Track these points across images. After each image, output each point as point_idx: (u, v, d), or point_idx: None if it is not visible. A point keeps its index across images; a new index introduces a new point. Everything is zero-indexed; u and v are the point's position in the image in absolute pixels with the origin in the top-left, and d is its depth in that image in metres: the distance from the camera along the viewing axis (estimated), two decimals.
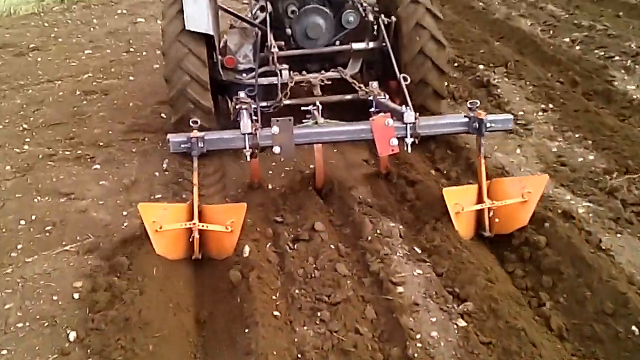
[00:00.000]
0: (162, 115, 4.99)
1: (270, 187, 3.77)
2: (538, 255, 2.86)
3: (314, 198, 3.48)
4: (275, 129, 3.08)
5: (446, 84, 4.79)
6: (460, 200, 3.02)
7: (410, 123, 3.14)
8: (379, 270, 2.77)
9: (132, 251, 2.98)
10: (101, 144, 4.56)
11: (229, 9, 4.64)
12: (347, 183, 3.68)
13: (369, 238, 3.03)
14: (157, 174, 4.05)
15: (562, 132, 4.21)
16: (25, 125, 4.97)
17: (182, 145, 3.09)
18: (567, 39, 5.92)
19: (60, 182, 4.01)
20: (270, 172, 3.96)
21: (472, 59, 5.66)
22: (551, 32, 6.19)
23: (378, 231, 3.10)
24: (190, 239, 2.98)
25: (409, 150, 3.19)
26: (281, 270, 2.88)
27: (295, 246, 3.04)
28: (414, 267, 2.83)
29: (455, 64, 5.58)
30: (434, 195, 3.28)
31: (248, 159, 3.18)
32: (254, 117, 3.36)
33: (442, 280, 2.74)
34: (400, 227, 3.18)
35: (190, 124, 3.10)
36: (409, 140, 3.15)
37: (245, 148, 3.11)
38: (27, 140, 4.70)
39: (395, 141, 3.12)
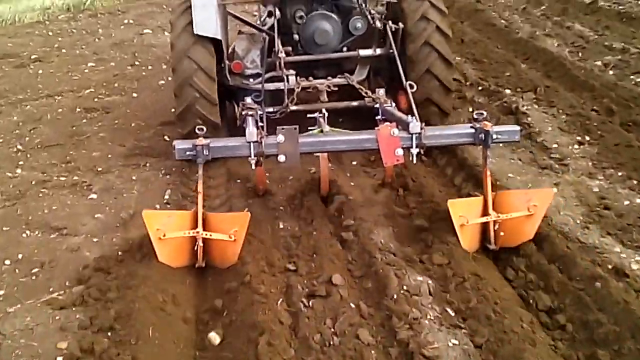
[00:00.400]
0: (166, 137, 4.66)
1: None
2: (590, 322, 2.49)
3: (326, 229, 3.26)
4: (280, 138, 3.07)
5: (470, 109, 4.66)
6: (465, 213, 2.98)
7: (416, 133, 3.11)
8: (408, 339, 2.39)
9: (125, 307, 2.63)
10: (99, 169, 4.23)
11: (238, 15, 4.59)
12: (365, 221, 3.33)
13: (395, 296, 2.65)
14: (157, 206, 3.71)
15: (603, 169, 3.83)
16: (19, 146, 4.66)
17: (188, 153, 3.09)
18: (598, 62, 5.55)
19: (53, 213, 3.68)
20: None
21: (497, 82, 5.30)
22: (580, 54, 5.82)
23: (404, 287, 2.73)
24: (195, 248, 2.97)
25: (415, 161, 3.20)
26: (295, 334, 2.52)
27: (310, 303, 2.67)
28: (449, 336, 2.46)
29: (479, 88, 5.22)
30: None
31: (253, 167, 3.18)
32: (259, 124, 3.39)
33: (482, 353, 2.37)
34: (429, 281, 2.81)
35: (197, 131, 3.11)
36: (415, 151, 3.14)
37: (250, 156, 3.11)
38: (21, 163, 4.39)
39: (400, 151, 3.10)
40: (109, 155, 4.43)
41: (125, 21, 8.45)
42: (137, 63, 6.61)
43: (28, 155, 4.50)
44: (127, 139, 4.70)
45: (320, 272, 2.88)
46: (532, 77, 5.29)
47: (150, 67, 6.46)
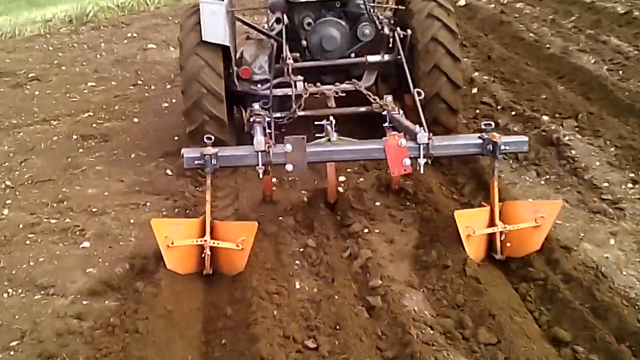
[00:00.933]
0: (168, 172, 4.23)
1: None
2: None
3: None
4: (288, 147, 3.08)
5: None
6: (472, 223, 2.97)
7: (423, 144, 3.12)
8: None
9: None
10: (94, 209, 3.81)
11: (246, 21, 4.59)
12: (394, 281, 2.92)
13: None
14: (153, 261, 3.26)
15: None
16: (8, 182, 4.24)
17: (196, 162, 3.11)
18: None
19: (39, 266, 3.26)
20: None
21: (532, 107, 4.81)
22: (621, 72, 5.30)
23: None
24: (202, 255, 3.00)
25: (422, 171, 3.20)
26: None
27: None
28: None
29: (513, 113, 4.74)
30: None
31: (260, 176, 3.21)
32: (267, 130, 3.42)
33: None
34: None
35: (205, 140, 3.10)
36: (422, 161, 3.15)
37: (258, 165, 3.13)
38: (9, 202, 3.98)
39: (408, 161, 3.10)
40: (105, 193, 4.00)
41: (129, 35, 8.06)
42: (139, 82, 6.19)
43: (17, 193, 4.08)
44: (126, 172, 4.27)
45: (346, 353, 2.45)
46: (571, 101, 4.79)
47: (153, 87, 6.04)
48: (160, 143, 4.69)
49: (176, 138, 4.70)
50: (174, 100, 5.57)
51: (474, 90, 5.23)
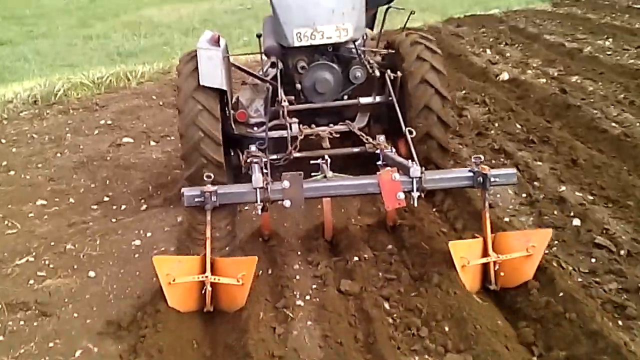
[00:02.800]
0: None
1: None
2: None
3: None
4: (285, 184, 3.20)
5: None
6: (466, 254, 3.05)
7: (416, 177, 3.24)
8: None
9: None
10: None
11: (241, 67, 4.67)
12: None
13: None
14: None
15: None
16: None
17: (196, 200, 3.19)
18: None
19: None
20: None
21: None
22: None
23: None
24: (203, 292, 3.03)
25: (416, 204, 3.30)
26: None
27: None
28: None
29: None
30: None
31: (259, 212, 3.31)
32: (264, 170, 3.48)
33: None
34: None
35: (204, 178, 3.24)
36: (416, 194, 3.26)
37: (256, 202, 3.22)
38: None
39: (401, 195, 3.21)
40: None
41: (102, 122, 6.57)
42: (105, 199, 4.63)
43: None
44: None
45: None
46: None
47: (123, 208, 4.48)
48: (122, 318, 3.07)
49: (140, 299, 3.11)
50: (149, 234, 3.99)
51: (576, 222, 3.70)
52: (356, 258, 3.44)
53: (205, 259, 3.04)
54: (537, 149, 4.87)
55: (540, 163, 4.60)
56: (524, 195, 4.18)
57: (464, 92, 6.46)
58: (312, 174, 3.53)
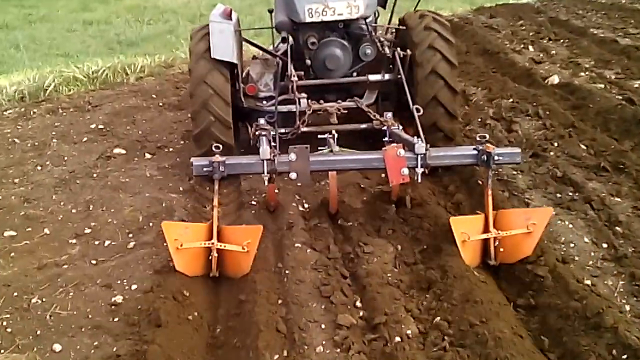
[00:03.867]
0: None
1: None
2: None
3: None
4: (292, 156, 3.27)
5: None
6: (466, 229, 3.10)
7: (421, 154, 3.29)
8: None
9: None
10: None
11: (252, 41, 4.68)
12: None
13: None
14: None
15: None
16: None
17: (205, 169, 3.32)
18: None
19: None
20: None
21: None
22: None
23: None
24: (210, 258, 3.15)
25: (419, 180, 3.34)
26: None
27: None
28: None
29: None
30: None
31: (266, 183, 3.39)
32: (272, 144, 3.52)
33: None
34: None
35: (213, 149, 3.33)
36: (420, 170, 3.31)
37: (263, 173, 3.31)
38: None
39: (406, 171, 3.26)
40: None
41: (93, 126, 5.76)
42: (87, 231, 3.81)
43: None
44: None
45: None
46: None
47: (106, 245, 3.67)
48: None
49: None
50: (133, 287, 3.18)
51: None
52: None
53: (212, 226, 3.16)
54: (612, 179, 3.98)
55: (619, 199, 3.73)
56: (604, 245, 3.32)
57: (511, 100, 5.54)
58: (319, 148, 3.59)
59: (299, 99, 4.02)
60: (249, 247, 3.09)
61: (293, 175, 3.27)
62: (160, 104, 6.31)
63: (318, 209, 3.81)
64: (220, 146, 3.33)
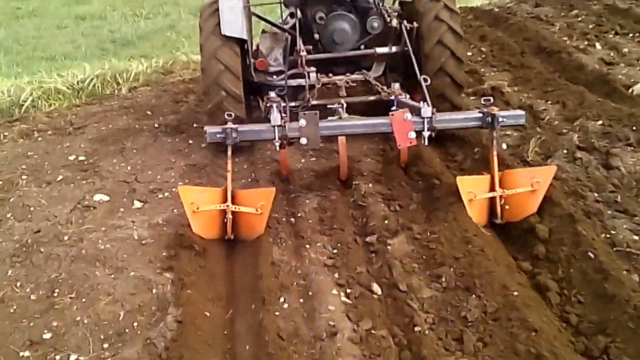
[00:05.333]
0: None
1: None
2: None
3: None
4: (302, 122, 3.36)
5: None
6: (473, 189, 3.20)
7: (427, 117, 3.39)
8: None
9: None
10: None
11: (261, 16, 4.74)
12: None
13: None
14: None
15: None
16: None
17: (218, 136, 3.40)
18: None
19: None
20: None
21: None
22: None
23: None
24: (225, 220, 3.25)
25: (426, 143, 3.48)
26: None
27: None
28: None
29: None
30: None
31: (277, 149, 3.52)
32: (282, 114, 3.53)
33: None
34: None
35: (225, 116, 3.43)
36: (426, 134, 3.42)
37: (274, 139, 3.41)
38: None
39: (413, 134, 3.37)
40: None
41: (72, 157, 4.64)
42: (45, 336, 2.69)
43: None
44: None
45: None
46: None
47: (74, 335, 2.61)
48: None
49: None
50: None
51: None
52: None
53: (226, 190, 3.24)
54: None
55: None
56: None
57: (600, 121, 4.33)
58: (329, 118, 3.66)
59: (308, 72, 4.07)
60: (262, 209, 3.18)
61: (303, 141, 3.37)
62: (156, 125, 5.18)
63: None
64: (233, 114, 3.44)
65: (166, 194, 3.95)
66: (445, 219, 3.23)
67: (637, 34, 6.64)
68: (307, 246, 3.21)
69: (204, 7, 4.25)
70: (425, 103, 3.44)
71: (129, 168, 4.36)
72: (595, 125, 4.28)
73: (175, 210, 3.69)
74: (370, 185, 3.71)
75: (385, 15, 4.34)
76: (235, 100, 4.05)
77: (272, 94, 3.92)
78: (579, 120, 4.40)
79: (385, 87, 4.07)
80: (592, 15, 7.64)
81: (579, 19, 7.60)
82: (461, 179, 3.22)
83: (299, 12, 4.38)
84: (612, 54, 6.08)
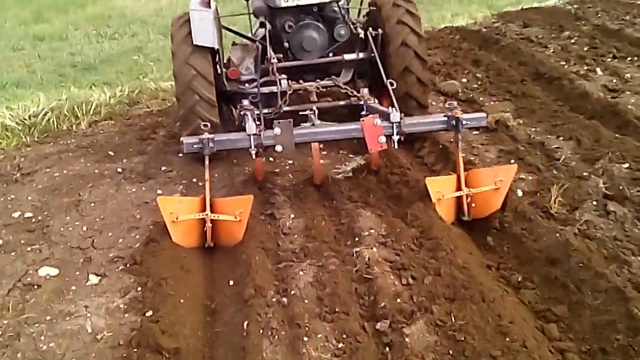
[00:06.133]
0: None
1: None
2: None
3: None
4: (277, 130, 3.46)
5: None
6: (441, 189, 3.38)
7: (396, 122, 3.54)
8: None
9: None
10: None
11: (231, 28, 4.92)
12: None
13: None
14: None
15: None
16: None
17: (195, 146, 3.47)
18: None
19: None
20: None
21: None
22: None
23: None
24: (204, 229, 3.31)
25: (396, 147, 3.60)
26: None
27: None
28: None
29: None
30: None
31: (253, 157, 3.58)
32: (257, 122, 3.65)
33: None
34: None
35: (201, 127, 3.52)
36: (396, 138, 3.55)
37: (250, 147, 3.49)
38: None
39: (383, 138, 3.50)
40: None
41: (16, 214, 3.89)
42: None
43: None
44: None
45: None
46: None
47: None
48: None
49: None
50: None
51: None
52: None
53: (205, 199, 3.32)
54: None
55: None
56: None
57: (625, 164, 3.82)
58: (302, 124, 3.76)
59: (279, 80, 4.17)
60: (241, 217, 3.24)
61: (279, 148, 3.45)
62: (119, 170, 4.50)
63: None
64: (209, 124, 3.53)
65: (128, 264, 3.27)
66: (472, 298, 2.66)
67: (636, 58, 6.30)
68: (305, 338, 2.59)
69: (175, 18, 4.41)
70: (394, 108, 3.60)
71: (84, 229, 3.67)
72: (621, 168, 3.80)
73: (139, 289, 3.02)
74: (375, 249, 3.13)
75: (351, 24, 4.59)
76: (208, 105, 4.13)
77: (246, 102, 4.06)
78: (601, 162, 3.92)
79: (354, 92, 4.16)
80: (584, 37, 7.31)
81: (572, 40, 7.25)
82: (430, 180, 3.41)
83: (268, 24, 4.49)
84: (614, 80, 5.69)
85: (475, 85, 5.90)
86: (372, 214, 3.47)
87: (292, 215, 3.57)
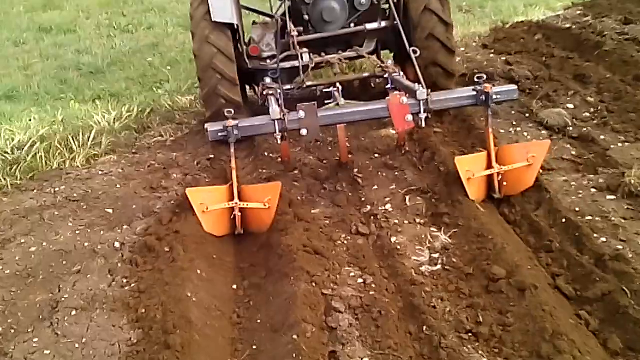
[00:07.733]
0: None
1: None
2: None
3: None
4: (301, 114, 3.37)
5: None
6: (471, 167, 3.33)
7: (423, 100, 3.42)
8: None
9: None
10: None
11: (250, 7, 4.87)
12: None
13: None
14: None
15: None
16: None
17: (220, 134, 3.43)
18: None
19: None
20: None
21: None
22: None
23: None
24: (233, 217, 3.31)
25: (423, 125, 3.52)
26: None
27: None
28: None
29: None
30: None
31: (279, 141, 3.56)
32: (280, 102, 3.59)
33: None
34: None
35: (225, 114, 3.44)
36: (423, 116, 3.45)
37: (275, 132, 3.44)
38: None
39: (410, 117, 3.40)
40: None
41: None
42: None
43: None
44: None
45: None
46: None
47: None
48: None
49: None
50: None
51: None
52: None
53: (233, 187, 3.32)
54: None
55: None
56: None
57: None
58: (325, 102, 3.75)
59: (301, 54, 4.13)
60: (270, 203, 3.26)
61: (304, 132, 3.39)
62: (117, 246, 3.29)
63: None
64: (232, 110, 3.46)
65: None
66: None
67: None
68: None
69: (193, 3, 4.26)
70: (420, 85, 3.50)
71: (67, 339, 2.48)
72: None
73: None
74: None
75: None
76: (230, 84, 4.09)
77: (267, 80, 4.05)
78: None
79: (378, 62, 4.17)
80: None
81: None
82: (459, 159, 3.36)
83: None
84: None
85: (588, 114, 4.44)
86: None
87: None
